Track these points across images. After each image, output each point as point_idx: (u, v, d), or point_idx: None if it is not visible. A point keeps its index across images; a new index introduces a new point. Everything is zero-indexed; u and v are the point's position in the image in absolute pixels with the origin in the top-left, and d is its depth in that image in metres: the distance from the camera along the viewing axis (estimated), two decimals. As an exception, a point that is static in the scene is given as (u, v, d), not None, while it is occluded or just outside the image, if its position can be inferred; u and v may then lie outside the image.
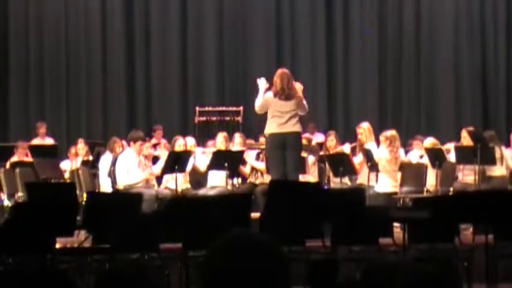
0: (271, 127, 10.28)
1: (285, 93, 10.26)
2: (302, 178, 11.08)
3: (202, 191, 11.80)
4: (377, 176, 11.50)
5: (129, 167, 11.21)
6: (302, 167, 11.22)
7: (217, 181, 11.86)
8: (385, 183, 11.37)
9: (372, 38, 17.69)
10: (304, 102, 10.43)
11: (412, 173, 11.59)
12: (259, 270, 2.10)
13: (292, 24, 17.62)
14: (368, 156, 11.52)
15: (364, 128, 12.12)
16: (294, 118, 10.28)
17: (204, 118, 16.19)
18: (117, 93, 17.22)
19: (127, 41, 17.32)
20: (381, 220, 8.03)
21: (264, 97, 10.43)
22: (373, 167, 11.42)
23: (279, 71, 10.65)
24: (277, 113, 10.23)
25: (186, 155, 11.71)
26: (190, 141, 12.87)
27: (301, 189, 8.78)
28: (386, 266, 2.77)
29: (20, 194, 11.47)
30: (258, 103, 10.46)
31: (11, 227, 7.20)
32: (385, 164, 11.40)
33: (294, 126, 10.26)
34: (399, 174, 11.52)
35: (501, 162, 11.60)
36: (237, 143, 12.44)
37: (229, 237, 2.16)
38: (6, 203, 11.55)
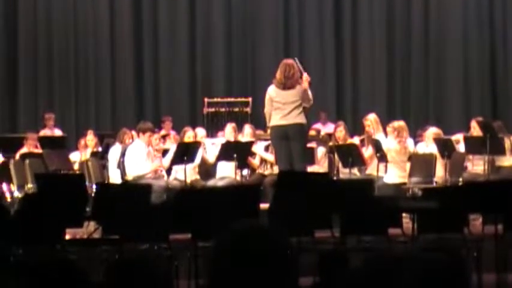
0: (274, 119, 10.20)
1: (283, 83, 10.21)
2: (310, 169, 11.06)
3: (211, 182, 11.82)
4: (386, 166, 11.49)
5: (138, 158, 11.21)
6: (309, 157, 11.19)
7: (226, 172, 11.87)
8: (394, 173, 11.36)
9: (381, 29, 17.66)
10: (310, 93, 10.31)
11: (421, 164, 11.57)
12: (267, 261, 2.10)
13: (301, 15, 17.60)
14: (377, 146, 11.51)
15: (371, 120, 12.11)
16: (297, 109, 10.14)
17: (212, 109, 16.19)
18: (126, 85, 17.24)
19: (135, 32, 17.34)
20: (390, 210, 8.04)
21: (267, 92, 10.38)
22: (382, 157, 11.41)
23: (282, 61, 10.62)
24: (279, 104, 10.14)
25: (195, 146, 11.71)
26: (201, 132, 12.86)
27: (310, 180, 8.78)
28: (390, 256, 2.77)
29: (29, 185, 11.50)
30: (266, 111, 10.41)
31: (21, 218, 7.23)
32: (394, 155, 11.39)
33: (296, 118, 10.12)
34: (408, 165, 11.51)
35: (510, 153, 11.58)
36: (246, 134, 12.45)
37: (237, 228, 2.16)
38: (16, 194, 11.59)
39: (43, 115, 15.78)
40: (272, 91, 10.26)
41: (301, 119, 10.18)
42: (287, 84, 10.16)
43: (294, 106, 10.12)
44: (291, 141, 10.10)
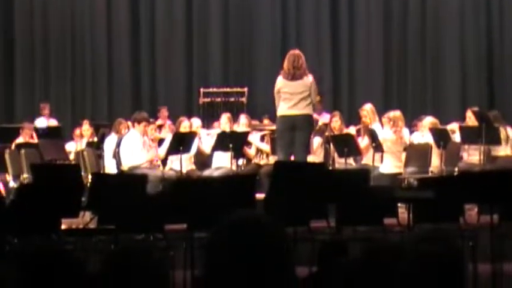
0: (282, 109, 10.21)
1: (291, 73, 10.19)
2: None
3: (207, 172, 11.81)
4: (382, 156, 11.49)
5: (134, 148, 11.21)
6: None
7: (222, 162, 11.87)
8: (390, 163, 11.37)
9: (378, 19, 17.64)
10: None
11: (416, 154, 11.57)
12: (263, 251, 2.10)
13: (298, 6, 17.57)
14: (373, 136, 11.51)
15: (367, 110, 12.10)
16: (305, 100, 10.12)
17: (208, 99, 16.19)
18: (122, 75, 17.23)
19: (132, 21, 17.32)
20: (386, 200, 8.03)
21: (276, 82, 10.36)
22: (378, 147, 11.41)
23: (289, 52, 10.60)
24: (287, 95, 10.13)
25: (190, 136, 11.71)
26: (197, 122, 12.85)
27: (305, 170, 8.77)
28: (387, 246, 2.78)
29: (25, 175, 11.49)
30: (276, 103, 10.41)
31: (17, 208, 7.22)
32: (389, 145, 11.39)
33: (304, 109, 10.11)
34: (404, 155, 11.51)
35: (506, 143, 11.59)
36: (242, 124, 12.45)
37: (233, 219, 2.16)
38: (12, 184, 11.58)
39: (38, 104, 15.77)
40: (279, 82, 10.24)
41: (309, 110, 10.17)
42: (295, 75, 10.13)
43: (302, 97, 10.10)
44: (297, 131, 10.09)
